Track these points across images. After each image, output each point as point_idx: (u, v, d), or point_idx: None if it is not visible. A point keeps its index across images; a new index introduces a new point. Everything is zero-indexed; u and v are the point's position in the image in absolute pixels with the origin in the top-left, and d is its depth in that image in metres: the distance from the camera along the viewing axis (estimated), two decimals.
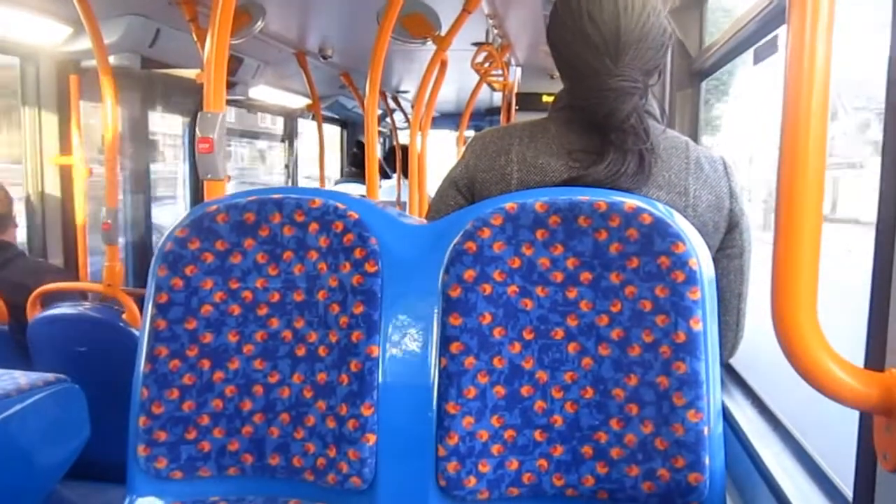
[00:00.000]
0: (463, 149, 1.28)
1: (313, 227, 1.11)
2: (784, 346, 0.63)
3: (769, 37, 1.38)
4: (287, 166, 5.99)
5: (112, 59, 2.57)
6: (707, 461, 0.96)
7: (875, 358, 0.65)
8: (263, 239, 1.12)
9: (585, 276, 1.02)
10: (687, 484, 0.97)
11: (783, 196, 0.62)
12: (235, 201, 1.13)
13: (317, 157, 4.89)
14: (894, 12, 0.63)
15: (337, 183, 6.20)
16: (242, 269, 1.12)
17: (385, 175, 6.48)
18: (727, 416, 1.17)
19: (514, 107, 4.96)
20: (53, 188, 2.98)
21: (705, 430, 0.97)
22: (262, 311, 1.11)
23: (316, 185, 5.27)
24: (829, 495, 0.91)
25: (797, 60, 0.61)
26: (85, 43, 2.40)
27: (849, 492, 0.81)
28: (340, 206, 1.11)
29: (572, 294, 1.03)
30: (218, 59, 1.45)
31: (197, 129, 1.45)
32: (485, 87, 4.61)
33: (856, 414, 0.69)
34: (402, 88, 5.95)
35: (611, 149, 1.08)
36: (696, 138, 1.98)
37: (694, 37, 1.96)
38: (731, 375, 1.40)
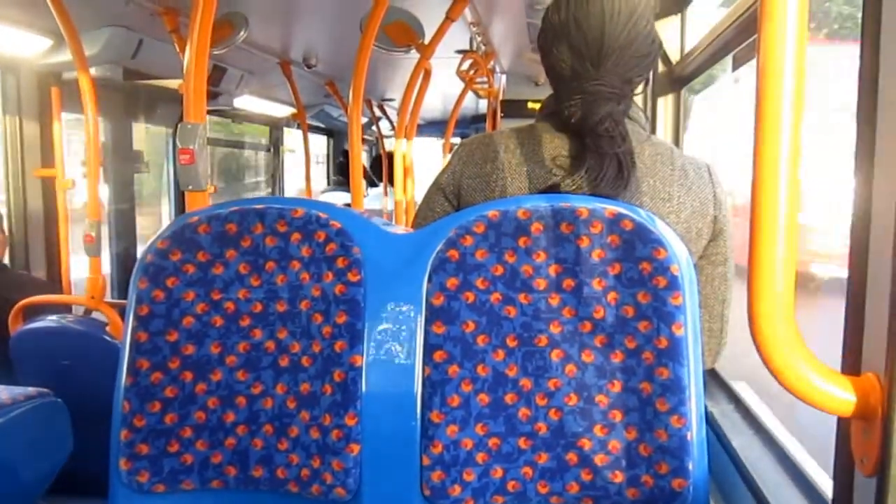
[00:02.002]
0: (449, 156, 1.28)
1: (296, 236, 1.10)
2: (760, 350, 0.63)
3: (747, 42, 1.39)
4: (273, 176, 5.98)
5: (94, 71, 2.56)
6: (691, 467, 0.97)
7: (851, 362, 0.66)
8: (245, 249, 1.11)
9: (568, 282, 1.02)
10: (671, 490, 0.97)
11: (758, 199, 0.62)
12: (217, 212, 1.12)
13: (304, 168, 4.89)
14: (863, 16, 0.64)
15: (323, 192, 6.20)
16: (224, 279, 1.11)
17: (372, 183, 6.49)
18: (711, 422, 1.17)
19: (499, 114, 4.98)
20: (36, 201, 2.96)
21: (689, 435, 0.97)
22: (245, 322, 1.11)
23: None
24: (810, 499, 0.91)
25: (770, 65, 0.61)
26: (66, 54, 2.39)
27: (829, 496, 0.82)
28: (323, 215, 1.10)
29: (555, 301, 1.03)
30: (198, 69, 1.44)
31: (177, 140, 1.44)
32: (470, 94, 4.62)
33: None
34: (387, 96, 5.95)
35: (587, 154, 1.09)
36: (678, 144, 1.99)
37: (674, 43, 1.98)
38: (716, 381, 1.41)
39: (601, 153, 1.08)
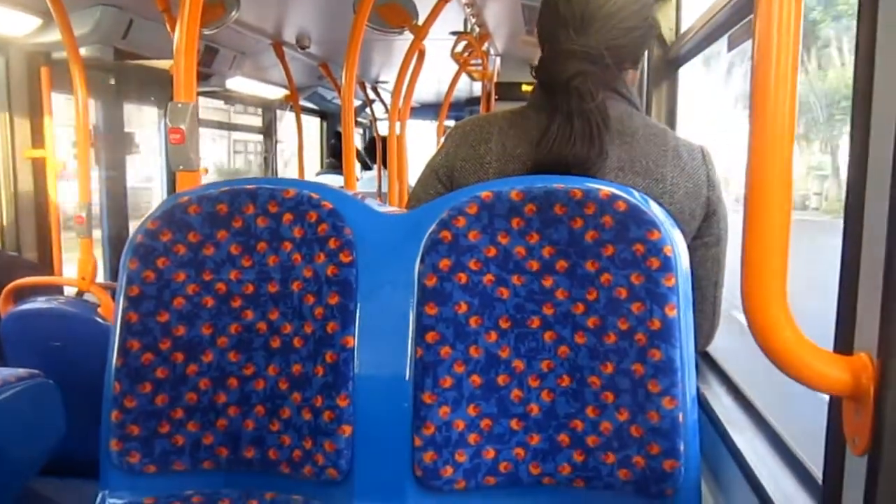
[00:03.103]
0: (443, 138, 1.27)
1: (287, 217, 1.09)
2: (754, 330, 0.63)
3: (742, 23, 1.38)
4: (266, 159, 5.95)
5: (84, 51, 2.53)
6: (682, 448, 0.97)
7: (844, 341, 0.66)
8: (237, 230, 1.10)
9: (561, 264, 1.02)
10: (662, 471, 0.97)
11: (752, 180, 0.62)
12: (208, 192, 1.11)
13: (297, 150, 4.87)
14: (859, 17, 0.63)
15: (317, 174, 6.18)
16: (216, 260, 1.10)
17: (366, 166, 6.47)
18: (703, 404, 1.17)
19: (493, 96, 4.96)
20: (26, 182, 2.94)
21: (680, 416, 0.97)
22: (236, 304, 1.10)
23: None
24: (801, 479, 0.92)
25: (766, 49, 0.61)
26: (56, 34, 2.36)
27: (820, 475, 0.82)
28: (314, 196, 1.09)
29: (548, 283, 1.02)
30: (188, 48, 1.43)
31: (167, 120, 1.43)
32: (464, 77, 4.60)
33: None
34: (381, 79, 5.92)
35: (556, 113, 1.09)
36: (672, 126, 1.99)
37: (669, 24, 1.96)
38: (708, 363, 1.41)
39: (569, 110, 1.07)
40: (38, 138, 2.90)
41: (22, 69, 2.87)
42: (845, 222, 0.66)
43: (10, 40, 2.76)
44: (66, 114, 3.00)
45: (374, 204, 1.15)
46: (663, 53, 1.99)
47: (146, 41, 2.94)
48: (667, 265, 0.98)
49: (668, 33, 1.96)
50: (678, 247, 1.00)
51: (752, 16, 0.63)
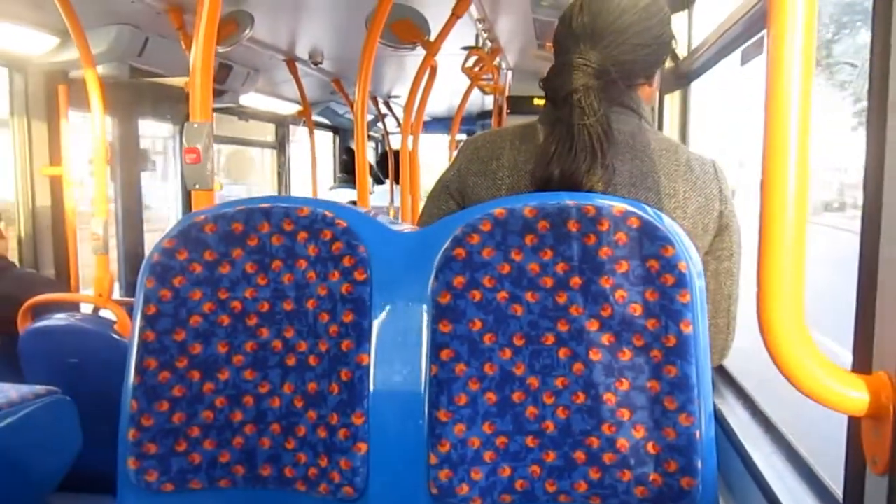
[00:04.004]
0: (455, 153, 1.28)
1: (302, 235, 1.10)
2: (770, 349, 0.63)
3: (756, 38, 1.38)
4: (279, 174, 5.98)
5: (101, 69, 2.56)
6: (699, 465, 0.96)
7: (862, 361, 0.65)
8: (252, 248, 1.11)
9: (575, 280, 1.02)
10: (679, 488, 0.96)
11: (767, 198, 0.62)
12: (223, 211, 1.12)
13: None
14: (874, 18, 0.63)
15: (330, 189, 6.20)
16: (231, 279, 1.11)
17: (378, 180, 6.49)
18: (719, 420, 1.17)
19: (505, 110, 4.97)
20: (44, 198, 2.97)
21: (697, 433, 0.96)
22: (252, 322, 1.11)
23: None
24: (820, 497, 0.91)
25: (779, 64, 0.61)
26: (73, 52, 2.39)
27: (840, 494, 0.81)
28: (329, 214, 1.10)
29: (562, 299, 1.02)
30: (204, 66, 1.44)
31: (183, 140, 1.44)
32: (476, 90, 4.62)
33: None
34: (393, 94, 5.95)
35: (559, 125, 1.09)
36: (684, 141, 1.98)
37: (682, 39, 1.97)
38: (723, 378, 1.40)
39: (570, 123, 1.08)
40: (55, 155, 2.93)
41: (40, 87, 2.91)
42: (862, 240, 0.65)
43: (28, 59, 2.81)
44: (83, 131, 3.04)
45: (386, 220, 1.16)
46: (675, 67, 1.99)
47: (161, 58, 2.98)
48: (681, 281, 0.98)
49: (680, 48, 1.97)
50: (693, 263, 1.00)
51: (763, 32, 0.63)
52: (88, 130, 2.48)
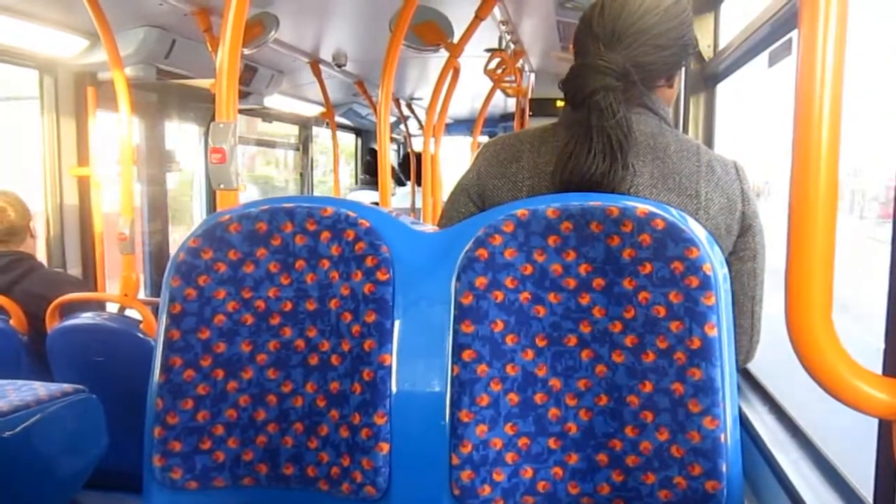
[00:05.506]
0: (474, 156, 1.28)
1: (325, 235, 1.11)
2: (799, 353, 0.62)
3: (783, 39, 1.36)
4: (301, 174, 6.02)
5: (128, 71, 2.59)
6: (724, 469, 0.95)
7: (893, 363, 0.64)
8: (275, 248, 1.12)
9: (598, 282, 1.01)
10: (704, 492, 0.95)
11: (796, 200, 0.61)
12: (247, 211, 1.13)
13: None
14: None
15: (351, 190, 6.23)
16: (255, 278, 1.12)
17: (400, 182, 6.51)
18: (744, 423, 1.15)
19: (527, 113, 4.96)
20: (72, 199, 3.02)
21: (722, 437, 0.96)
22: (275, 321, 1.12)
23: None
24: (849, 503, 0.89)
25: (809, 63, 0.60)
26: (102, 55, 2.43)
27: (870, 499, 0.80)
28: (352, 214, 1.11)
29: (585, 300, 1.02)
30: (230, 69, 1.45)
31: (209, 140, 1.46)
32: (499, 92, 4.61)
33: None
34: (416, 96, 5.96)
35: (579, 127, 1.08)
36: (710, 143, 1.97)
37: (708, 40, 1.95)
38: (749, 381, 1.39)
39: (589, 125, 1.07)
40: (83, 156, 2.98)
41: (69, 89, 2.96)
42: (893, 245, 0.64)
43: (58, 61, 2.85)
44: (110, 131, 3.08)
45: (408, 221, 1.16)
46: (701, 69, 1.98)
47: (188, 60, 3.01)
48: (706, 283, 0.97)
49: (706, 49, 1.95)
50: (717, 264, 0.99)
51: (792, 33, 0.63)
52: (115, 131, 2.51)
